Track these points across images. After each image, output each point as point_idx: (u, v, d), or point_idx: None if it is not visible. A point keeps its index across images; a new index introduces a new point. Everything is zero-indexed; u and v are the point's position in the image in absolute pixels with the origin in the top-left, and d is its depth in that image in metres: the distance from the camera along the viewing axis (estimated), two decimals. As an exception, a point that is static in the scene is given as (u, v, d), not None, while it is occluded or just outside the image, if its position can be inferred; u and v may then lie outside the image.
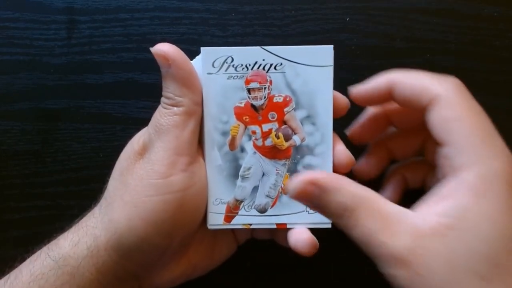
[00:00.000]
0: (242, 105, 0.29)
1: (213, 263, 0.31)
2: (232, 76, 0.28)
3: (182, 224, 0.27)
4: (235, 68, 0.28)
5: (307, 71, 0.28)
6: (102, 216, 0.27)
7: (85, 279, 0.26)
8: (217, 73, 0.28)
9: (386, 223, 0.23)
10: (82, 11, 0.35)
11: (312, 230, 0.29)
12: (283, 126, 0.29)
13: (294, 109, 0.29)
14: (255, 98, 0.28)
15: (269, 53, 0.28)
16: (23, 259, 0.27)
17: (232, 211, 0.29)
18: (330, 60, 0.28)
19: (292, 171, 0.29)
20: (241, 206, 0.29)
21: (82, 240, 0.26)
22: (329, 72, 0.28)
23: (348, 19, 0.35)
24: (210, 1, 0.35)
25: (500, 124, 0.24)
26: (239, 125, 0.29)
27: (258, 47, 0.28)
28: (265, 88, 0.28)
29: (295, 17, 0.35)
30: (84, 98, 0.36)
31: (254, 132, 0.29)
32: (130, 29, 0.35)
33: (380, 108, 0.30)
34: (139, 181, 0.26)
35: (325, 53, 0.28)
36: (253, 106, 0.29)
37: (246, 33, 0.35)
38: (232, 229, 0.32)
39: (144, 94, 0.35)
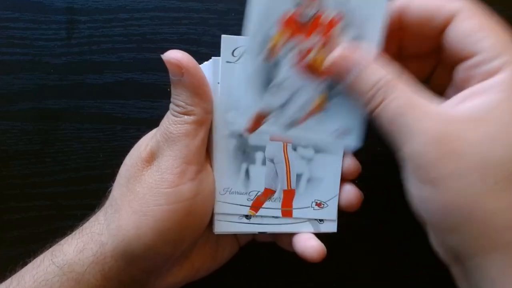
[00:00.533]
0: (287, 16, 0.26)
1: (215, 265, 0.31)
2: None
3: (189, 231, 0.27)
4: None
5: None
6: (108, 222, 0.26)
7: (91, 285, 0.26)
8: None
9: (418, 107, 0.23)
10: (82, 11, 0.35)
11: (316, 234, 0.29)
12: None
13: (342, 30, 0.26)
14: (307, 6, 0.26)
15: None
16: (24, 263, 0.27)
17: (255, 125, 0.28)
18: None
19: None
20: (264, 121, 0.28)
21: (87, 246, 0.26)
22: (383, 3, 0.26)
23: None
24: (210, 1, 0.35)
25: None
26: (283, 33, 0.26)
27: None
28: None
29: (295, 17, 0.35)
30: (84, 98, 0.36)
31: (295, 45, 0.27)
32: (130, 29, 0.35)
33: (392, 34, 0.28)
34: (148, 190, 0.26)
35: None
36: (298, 18, 0.26)
37: (246, 33, 0.35)
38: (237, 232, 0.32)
39: (144, 94, 0.35)
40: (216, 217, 0.29)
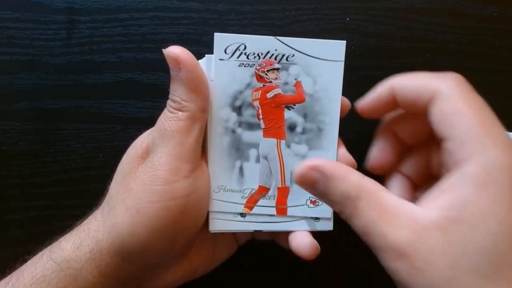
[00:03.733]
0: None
1: (213, 263, 0.31)
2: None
3: (184, 229, 0.27)
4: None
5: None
6: (104, 220, 0.27)
7: (88, 281, 0.26)
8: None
9: (387, 214, 0.22)
10: (82, 11, 0.35)
11: (313, 232, 0.29)
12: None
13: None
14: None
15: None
16: (24, 261, 0.27)
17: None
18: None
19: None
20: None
21: (84, 243, 0.26)
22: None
23: (348, 19, 0.35)
24: (210, 1, 0.35)
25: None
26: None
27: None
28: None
29: (295, 17, 0.35)
30: (84, 98, 0.36)
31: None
32: (130, 29, 0.35)
33: (388, 128, 0.29)
34: (141, 187, 0.26)
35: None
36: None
37: (246, 33, 0.35)
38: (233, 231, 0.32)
39: (144, 94, 0.35)
40: (211, 216, 0.29)
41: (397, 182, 0.29)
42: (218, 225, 0.29)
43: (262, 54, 0.28)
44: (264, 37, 0.28)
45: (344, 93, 0.29)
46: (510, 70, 0.35)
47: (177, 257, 0.29)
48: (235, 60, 0.28)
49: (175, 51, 0.26)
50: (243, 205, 0.29)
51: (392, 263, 0.22)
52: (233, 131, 0.29)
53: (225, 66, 0.28)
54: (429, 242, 0.21)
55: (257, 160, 0.29)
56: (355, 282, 0.36)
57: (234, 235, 0.32)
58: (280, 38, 0.28)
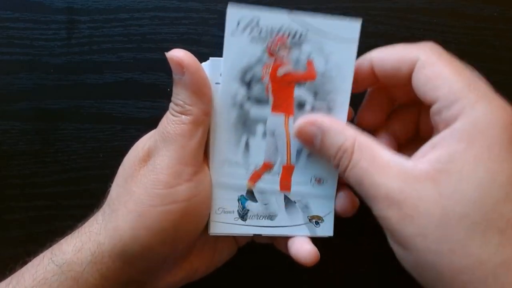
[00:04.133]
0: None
1: (213, 265, 0.31)
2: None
3: (186, 233, 0.27)
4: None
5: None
6: (106, 223, 0.27)
7: (89, 284, 0.26)
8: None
9: (380, 166, 0.24)
10: (82, 11, 0.35)
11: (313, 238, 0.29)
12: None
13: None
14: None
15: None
16: (24, 262, 0.27)
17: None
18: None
19: None
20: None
21: (85, 246, 0.26)
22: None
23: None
24: (210, 1, 0.35)
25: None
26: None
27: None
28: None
29: (295, 17, 0.35)
30: (84, 98, 0.36)
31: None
32: (130, 29, 0.35)
33: (378, 86, 0.30)
34: (143, 190, 0.26)
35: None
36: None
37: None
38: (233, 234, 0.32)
39: (144, 94, 0.35)
40: (211, 218, 0.29)
41: (383, 140, 0.30)
42: (218, 228, 0.29)
43: (275, 29, 0.27)
44: (278, 12, 0.27)
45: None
46: (510, 70, 0.35)
47: (178, 259, 0.29)
48: (247, 35, 0.27)
49: (178, 55, 0.26)
50: (247, 180, 0.29)
51: (384, 211, 0.23)
52: (241, 106, 0.28)
53: (236, 40, 0.27)
54: (420, 191, 0.22)
55: (264, 136, 0.29)
56: (355, 285, 0.36)
57: (234, 237, 0.32)
58: (294, 14, 0.27)
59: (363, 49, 0.35)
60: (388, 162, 0.24)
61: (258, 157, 0.29)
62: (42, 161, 0.36)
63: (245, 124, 0.28)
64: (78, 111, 0.36)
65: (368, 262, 0.36)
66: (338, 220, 0.30)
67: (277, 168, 0.29)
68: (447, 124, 0.23)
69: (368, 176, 0.24)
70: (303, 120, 0.27)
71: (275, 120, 0.28)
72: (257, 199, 0.29)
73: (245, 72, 0.28)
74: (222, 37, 0.35)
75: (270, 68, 0.28)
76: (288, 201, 0.29)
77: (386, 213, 0.23)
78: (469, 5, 0.35)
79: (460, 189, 0.21)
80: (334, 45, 0.27)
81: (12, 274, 0.27)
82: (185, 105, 0.26)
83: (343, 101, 0.28)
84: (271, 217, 0.29)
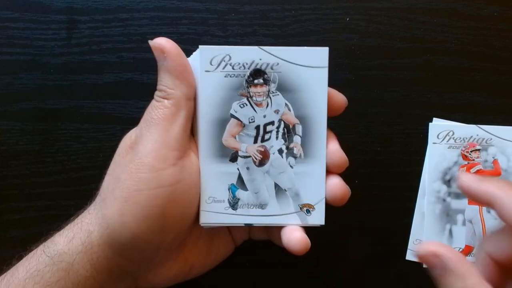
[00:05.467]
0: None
1: (210, 262, 0.31)
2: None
3: (174, 220, 0.27)
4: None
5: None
6: (96, 212, 0.27)
7: (80, 275, 0.26)
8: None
9: None
10: (82, 11, 0.35)
11: (307, 229, 0.29)
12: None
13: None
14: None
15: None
16: (20, 257, 0.28)
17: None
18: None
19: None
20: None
21: (76, 236, 0.26)
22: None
23: (348, 19, 0.35)
24: (210, 1, 0.35)
25: (501, 124, 0.24)
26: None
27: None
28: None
29: (295, 17, 0.35)
30: (84, 98, 0.36)
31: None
32: (130, 29, 0.35)
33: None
34: (128, 175, 0.26)
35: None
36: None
37: (246, 33, 0.35)
38: (229, 229, 0.32)
39: (144, 94, 0.35)
40: (201, 208, 0.29)
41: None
42: (208, 218, 0.29)
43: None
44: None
45: (344, 93, 0.29)
46: (510, 70, 0.35)
47: (170, 251, 0.28)
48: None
49: (159, 41, 0.27)
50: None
51: None
52: (444, 200, 0.35)
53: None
54: None
55: (464, 224, 0.35)
56: (354, 281, 0.36)
57: (230, 234, 0.32)
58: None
59: (363, 49, 0.35)
60: None
61: (460, 241, 0.35)
62: (42, 161, 0.36)
63: (448, 214, 0.35)
64: (78, 111, 0.36)
65: (368, 262, 0.36)
66: (339, 219, 0.30)
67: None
68: None
69: None
70: (426, 248, 0.24)
71: (472, 209, 0.35)
72: (248, 188, 0.29)
73: (445, 172, 0.35)
74: (222, 37, 0.35)
75: (465, 169, 0.35)
76: (278, 189, 0.29)
77: None
78: (469, 5, 0.35)
79: None
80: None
81: (9, 269, 0.27)
82: (168, 89, 0.27)
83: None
84: (262, 206, 0.29)
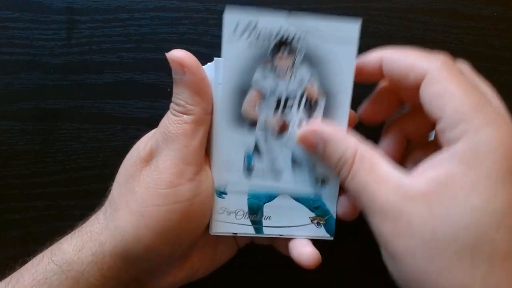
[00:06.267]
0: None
1: (214, 265, 0.31)
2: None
3: (188, 233, 0.27)
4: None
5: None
6: (107, 222, 0.26)
7: (90, 284, 0.26)
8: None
9: (378, 178, 0.24)
10: (82, 11, 0.35)
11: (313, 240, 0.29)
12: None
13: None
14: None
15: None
16: (23, 262, 0.27)
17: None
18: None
19: None
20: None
21: (86, 245, 0.26)
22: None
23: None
24: (210, 1, 0.35)
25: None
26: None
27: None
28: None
29: (295, 17, 0.35)
30: (84, 98, 0.36)
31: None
32: (130, 29, 0.35)
33: (389, 84, 0.29)
34: (145, 189, 0.26)
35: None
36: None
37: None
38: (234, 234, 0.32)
39: (144, 94, 0.35)
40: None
41: (390, 141, 0.30)
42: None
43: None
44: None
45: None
46: (510, 70, 0.35)
47: (179, 260, 0.29)
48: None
49: (178, 55, 0.26)
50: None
51: (379, 226, 0.23)
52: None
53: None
54: (413, 209, 0.22)
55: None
56: (354, 282, 0.36)
57: (234, 238, 0.32)
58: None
59: (363, 49, 0.35)
60: (386, 176, 0.24)
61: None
62: (42, 161, 0.36)
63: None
64: (78, 111, 0.36)
65: (370, 264, 0.36)
66: (340, 220, 0.30)
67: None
68: (449, 144, 0.23)
69: (366, 188, 0.24)
70: (305, 128, 0.27)
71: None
72: (263, 157, 0.29)
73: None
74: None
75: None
76: (294, 162, 0.29)
77: (381, 227, 0.23)
78: (469, 5, 0.35)
79: (452, 213, 0.21)
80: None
81: (11, 273, 0.27)
82: (187, 105, 0.26)
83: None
84: (277, 174, 0.29)
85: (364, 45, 0.35)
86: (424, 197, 0.22)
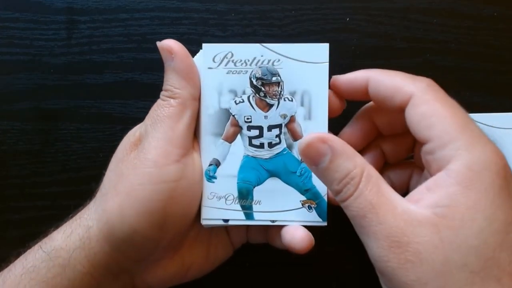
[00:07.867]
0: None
1: (208, 265, 0.31)
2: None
3: (174, 217, 0.27)
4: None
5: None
6: (96, 207, 0.27)
7: (77, 271, 0.26)
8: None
9: (385, 202, 0.23)
10: (82, 11, 0.35)
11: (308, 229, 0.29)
12: None
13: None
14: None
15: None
16: (19, 254, 0.28)
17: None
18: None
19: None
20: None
21: (75, 231, 0.26)
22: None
23: (348, 19, 0.35)
24: (210, 1, 0.35)
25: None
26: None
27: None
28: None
29: (295, 17, 0.35)
30: (84, 98, 0.36)
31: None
32: (130, 29, 0.35)
33: (367, 114, 0.30)
34: (132, 170, 0.26)
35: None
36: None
37: (246, 33, 0.35)
38: (227, 231, 0.32)
39: (144, 94, 0.35)
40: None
41: (371, 157, 0.30)
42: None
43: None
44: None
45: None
46: (510, 70, 0.35)
47: (168, 250, 0.29)
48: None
49: (167, 43, 0.28)
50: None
51: (384, 251, 0.22)
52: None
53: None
54: (422, 236, 0.22)
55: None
56: (354, 281, 0.36)
57: (228, 236, 0.32)
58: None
59: (363, 49, 0.35)
60: (392, 201, 0.23)
61: None
62: (42, 161, 0.36)
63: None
64: (78, 111, 0.36)
65: (369, 262, 0.36)
66: (339, 218, 0.30)
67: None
68: (440, 165, 0.23)
69: (372, 210, 0.23)
70: (312, 135, 0.24)
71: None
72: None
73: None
74: (223, 37, 0.35)
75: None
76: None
77: (386, 255, 0.22)
78: (469, 5, 0.35)
79: (461, 236, 0.21)
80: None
81: (7, 266, 0.27)
82: (174, 89, 0.27)
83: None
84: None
85: (364, 45, 0.35)
86: (431, 223, 0.22)
